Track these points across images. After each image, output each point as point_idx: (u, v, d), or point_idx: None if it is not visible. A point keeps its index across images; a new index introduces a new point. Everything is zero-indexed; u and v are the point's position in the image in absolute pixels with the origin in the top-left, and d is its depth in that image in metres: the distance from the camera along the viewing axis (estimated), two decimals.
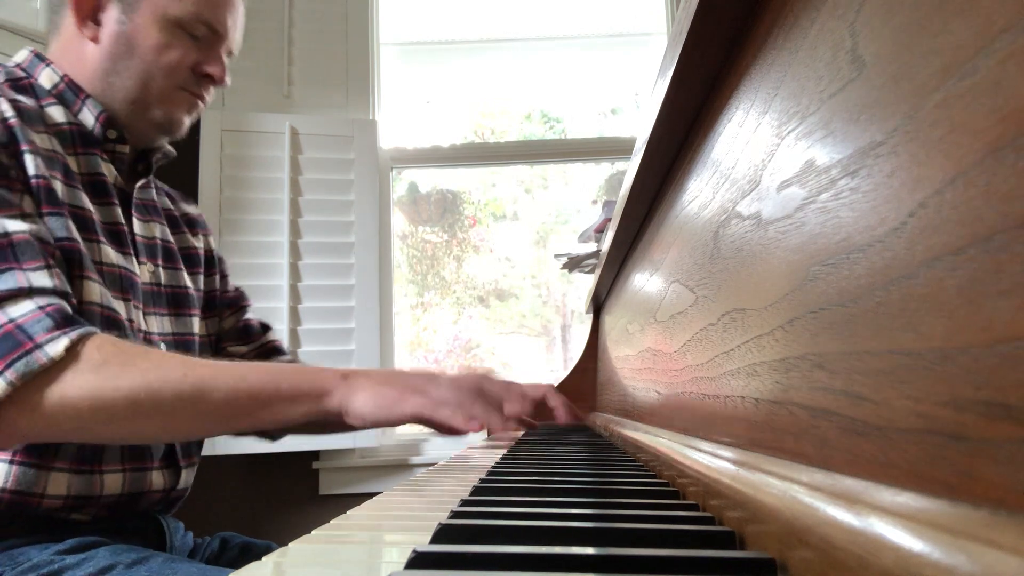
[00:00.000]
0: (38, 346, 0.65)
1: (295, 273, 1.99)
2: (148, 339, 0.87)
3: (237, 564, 0.80)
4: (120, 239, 0.86)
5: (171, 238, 0.98)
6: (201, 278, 1.02)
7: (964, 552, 0.17)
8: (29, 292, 0.67)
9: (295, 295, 1.98)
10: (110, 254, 0.83)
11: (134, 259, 0.87)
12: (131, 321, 0.83)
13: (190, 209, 1.06)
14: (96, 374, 0.67)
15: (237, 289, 1.10)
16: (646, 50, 2.41)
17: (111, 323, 0.79)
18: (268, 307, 1.94)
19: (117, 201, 0.87)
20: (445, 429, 0.80)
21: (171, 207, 1.02)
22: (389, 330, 2.13)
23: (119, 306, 0.81)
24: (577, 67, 2.47)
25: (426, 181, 2.58)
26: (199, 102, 0.93)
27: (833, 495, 0.24)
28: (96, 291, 0.78)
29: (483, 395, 0.82)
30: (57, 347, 0.66)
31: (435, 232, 2.64)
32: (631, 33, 2.44)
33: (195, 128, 2.02)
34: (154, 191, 0.98)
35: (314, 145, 2.06)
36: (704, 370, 0.51)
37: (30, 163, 0.75)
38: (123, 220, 0.87)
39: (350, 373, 0.78)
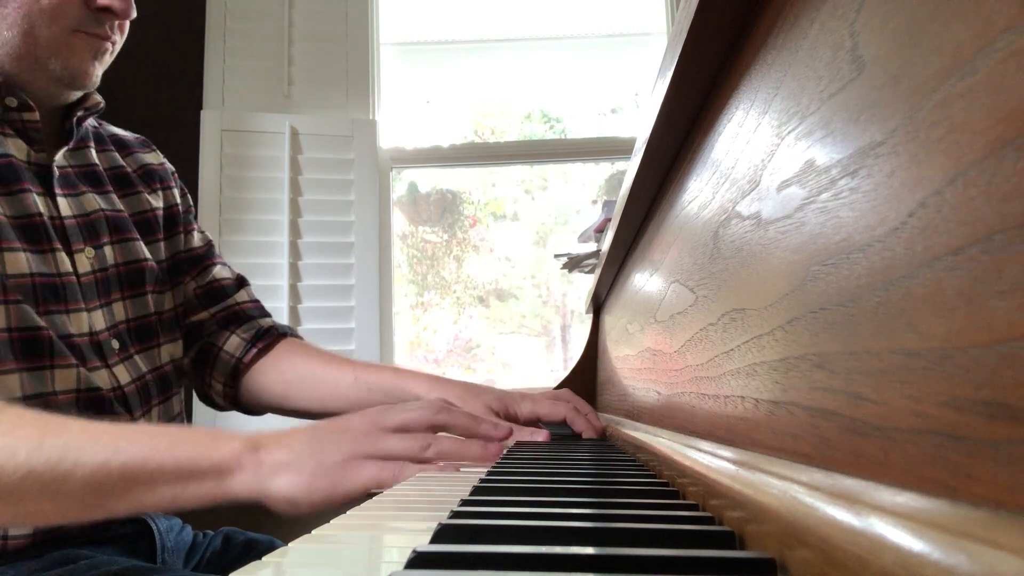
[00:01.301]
0: None
1: (295, 273, 1.99)
2: (95, 340, 0.76)
3: (240, 563, 0.77)
4: (37, 235, 0.73)
5: (119, 204, 0.84)
6: (162, 244, 0.88)
7: (964, 552, 0.17)
8: None
9: (295, 295, 1.98)
10: (21, 262, 0.70)
11: (60, 253, 0.74)
12: (67, 336, 0.72)
13: (149, 158, 0.91)
14: None
15: (206, 244, 0.94)
16: (646, 50, 2.40)
17: (28, 347, 0.68)
18: (268, 307, 1.94)
19: (31, 185, 0.74)
20: None
21: (122, 163, 0.87)
22: (389, 330, 2.13)
23: (37, 321, 0.70)
24: (577, 67, 2.47)
25: (426, 181, 2.57)
26: (106, 43, 0.76)
27: (833, 495, 0.24)
28: (2, 316, 0.67)
29: (444, 432, 0.65)
30: None
31: (435, 232, 2.64)
32: (631, 33, 2.44)
33: (195, 128, 2.03)
34: (93, 150, 0.84)
35: (314, 145, 2.05)
36: (704, 370, 0.51)
37: None
38: (40, 209, 0.74)
39: (260, 442, 0.58)
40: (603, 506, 0.42)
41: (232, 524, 0.96)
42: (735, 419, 0.42)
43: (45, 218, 0.74)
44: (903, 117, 0.23)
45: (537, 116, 2.73)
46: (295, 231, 2.00)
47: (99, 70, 0.77)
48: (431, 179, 2.57)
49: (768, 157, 0.38)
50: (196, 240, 0.94)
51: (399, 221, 2.50)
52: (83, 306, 0.76)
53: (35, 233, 0.72)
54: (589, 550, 0.30)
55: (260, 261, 1.97)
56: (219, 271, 0.95)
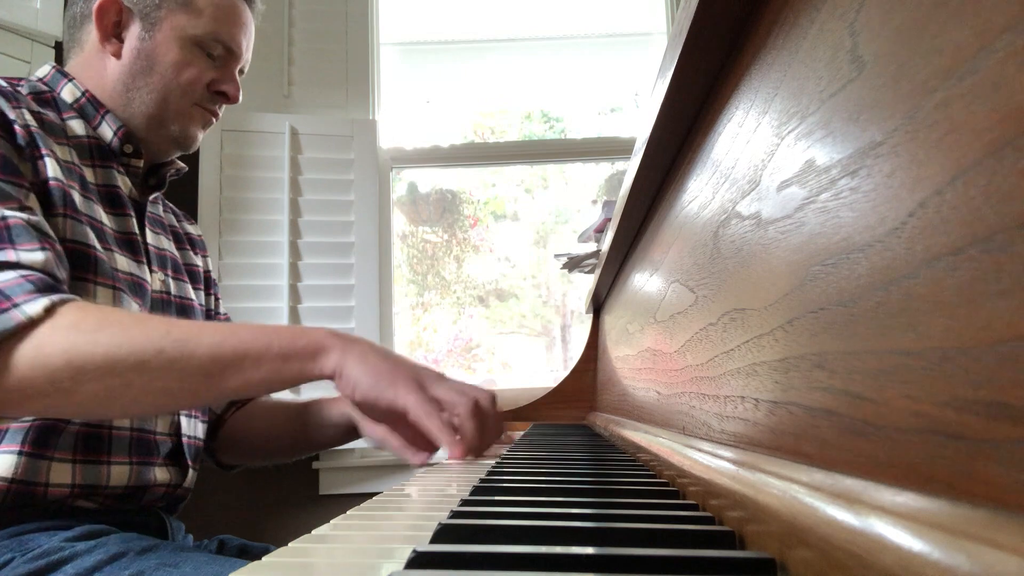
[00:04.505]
0: (16, 306, 0.66)
1: (295, 273, 1.99)
2: None
3: (234, 565, 0.80)
4: (134, 248, 0.89)
5: (176, 253, 1.01)
6: (202, 294, 1.06)
7: (964, 552, 0.17)
8: (16, 265, 0.69)
9: (295, 295, 1.98)
10: (122, 262, 0.85)
11: (146, 267, 0.90)
12: None
13: (192, 229, 1.11)
14: (73, 329, 0.66)
15: (227, 316, 1.13)
16: (646, 50, 2.40)
17: None
18: (268, 307, 1.94)
19: (132, 212, 0.90)
20: (419, 441, 0.74)
21: (176, 224, 1.06)
22: (389, 330, 2.13)
23: (133, 310, 0.83)
24: (577, 67, 2.47)
25: (426, 181, 2.57)
26: (212, 118, 0.97)
27: (833, 495, 0.24)
28: (107, 295, 0.79)
29: (480, 412, 0.75)
30: (35, 307, 0.66)
31: (435, 232, 2.64)
32: (631, 33, 2.43)
33: None
34: (161, 207, 1.02)
35: (314, 145, 2.05)
36: (704, 370, 0.51)
37: (49, 167, 0.78)
38: (137, 231, 0.90)
39: (347, 335, 0.73)
40: (603, 506, 0.42)
41: (229, 530, 1.01)
42: (735, 419, 0.42)
43: (138, 238, 0.91)
44: (903, 117, 0.23)
45: (537, 116, 2.73)
46: (295, 231, 2.00)
47: (201, 138, 0.98)
48: (431, 179, 2.57)
49: (768, 157, 0.38)
50: (222, 309, 1.12)
51: (399, 221, 2.50)
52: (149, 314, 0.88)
53: (132, 246, 0.89)
54: (589, 550, 0.30)
55: (260, 261, 1.97)
56: None
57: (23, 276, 0.68)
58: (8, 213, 0.71)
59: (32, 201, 0.75)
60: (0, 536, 0.72)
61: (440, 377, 0.75)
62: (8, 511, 0.74)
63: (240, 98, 0.98)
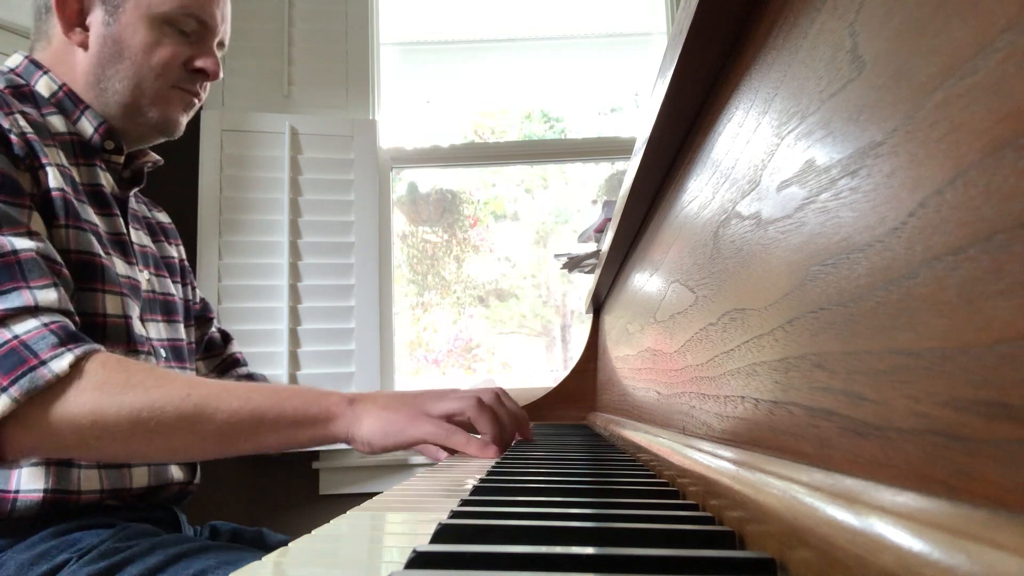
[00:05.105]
0: (43, 363, 0.66)
1: (295, 273, 1.99)
2: (151, 344, 0.88)
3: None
4: (124, 248, 0.87)
5: (154, 247, 0.99)
6: (180, 287, 1.04)
7: (964, 552, 0.17)
8: (35, 310, 0.68)
9: (295, 295, 1.98)
10: (120, 265, 0.85)
11: (136, 267, 0.89)
12: (132, 330, 0.84)
13: (163, 218, 1.08)
14: (99, 391, 0.67)
15: (203, 300, 1.12)
16: (646, 50, 2.40)
17: (125, 335, 0.81)
18: (268, 307, 1.94)
19: (118, 211, 0.88)
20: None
21: (149, 215, 1.03)
22: (389, 330, 2.13)
23: (133, 315, 0.83)
24: (577, 67, 2.47)
25: (426, 181, 2.57)
26: (195, 99, 0.92)
27: (833, 495, 0.24)
28: (115, 303, 0.80)
29: (486, 407, 0.77)
30: (61, 363, 0.66)
31: (435, 232, 2.64)
32: (631, 33, 2.43)
33: (195, 128, 2.02)
34: (134, 199, 0.98)
35: (314, 145, 2.05)
36: (704, 370, 0.51)
37: (51, 176, 0.76)
38: (124, 229, 0.88)
39: (356, 397, 0.75)
40: (603, 506, 0.42)
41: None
42: (735, 419, 0.42)
43: (127, 238, 0.89)
44: (903, 117, 0.23)
45: (537, 116, 2.73)
46: (295, 231, 2.00)
47: (185, 121, 0.93)
48: (431, 179, 2.57)
49: (768, 157, 0.38)
50: (197, 296, 1.10)
51: (399, 221, 2.50)
52: (140, 314, 0.88)
53: (124, 248, 0.87)
54: (589, 550, 0.30)
55: (260, 261, 1.97)
56: (215, 325, 1.13)
57: (45, 326, 0.68)
58: (19, 245, 0.70)
59: (36, 221, 0.74)
60: (44, 536, 0.73)
61: (440, 395, 0.77)
62: (46, 516, 0.75)
63: (221, 74, 0.92)
